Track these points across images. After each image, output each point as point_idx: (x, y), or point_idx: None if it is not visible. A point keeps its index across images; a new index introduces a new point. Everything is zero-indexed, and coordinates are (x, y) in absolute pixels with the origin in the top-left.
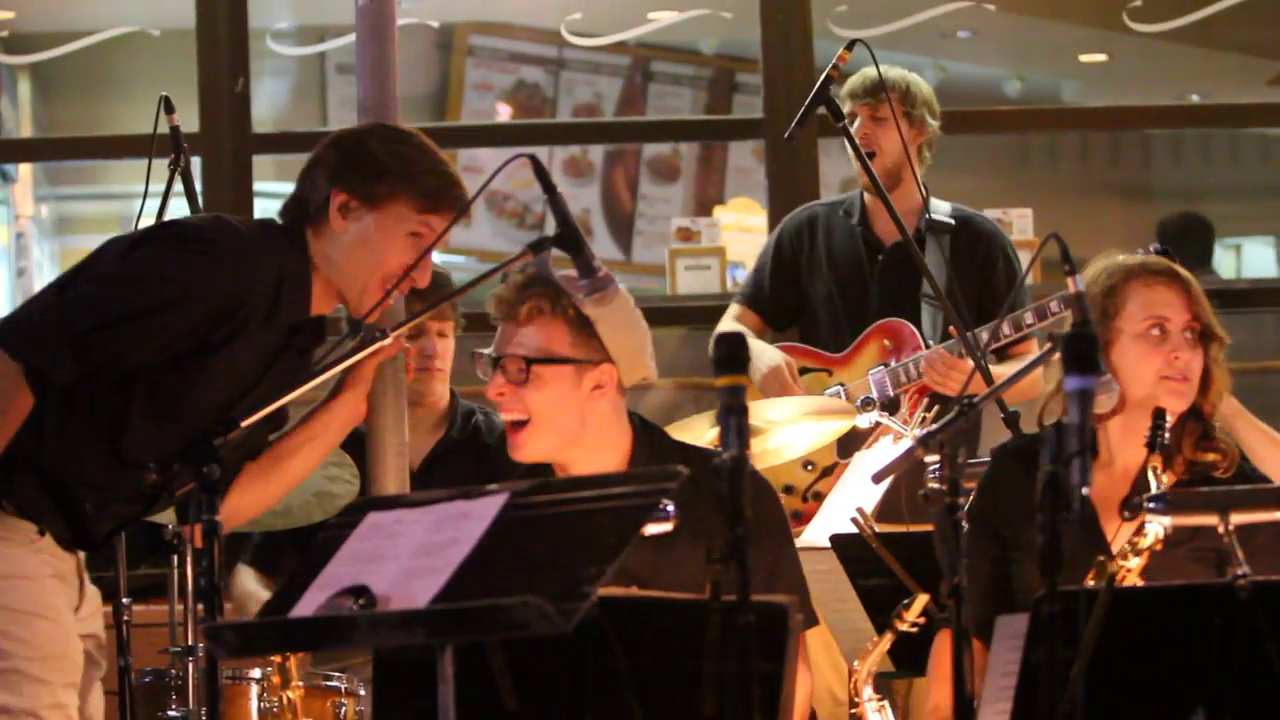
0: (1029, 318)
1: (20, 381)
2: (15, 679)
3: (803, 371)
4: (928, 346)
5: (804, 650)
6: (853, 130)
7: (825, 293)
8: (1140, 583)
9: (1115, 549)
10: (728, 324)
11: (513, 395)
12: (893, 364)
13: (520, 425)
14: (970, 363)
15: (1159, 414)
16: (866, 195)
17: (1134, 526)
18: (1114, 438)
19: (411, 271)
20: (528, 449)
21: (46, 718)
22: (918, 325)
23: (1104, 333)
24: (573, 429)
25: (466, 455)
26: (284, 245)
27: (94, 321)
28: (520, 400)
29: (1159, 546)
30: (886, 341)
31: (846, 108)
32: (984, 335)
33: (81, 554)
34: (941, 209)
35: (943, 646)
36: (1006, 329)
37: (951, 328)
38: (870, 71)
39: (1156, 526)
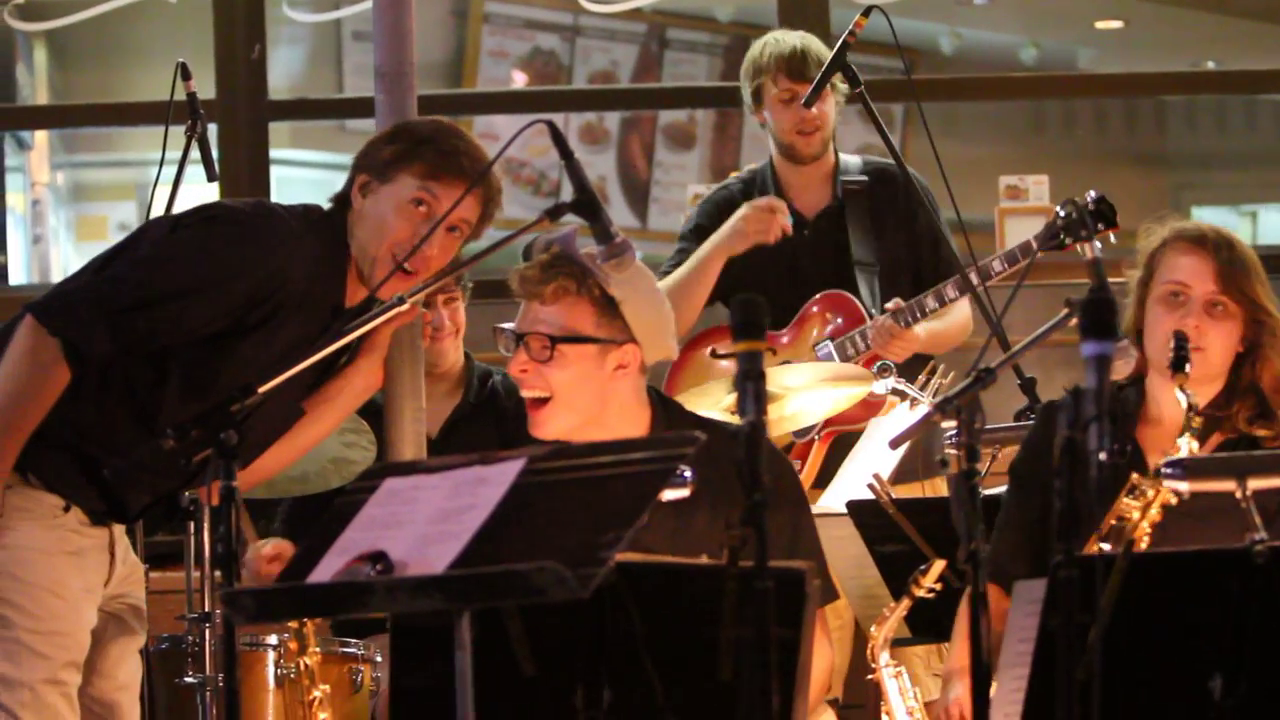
0: (950, 290)
1: (59, 357)
2: (15, 649)
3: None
4: (870, 315)
5: (824, 623)
6: (781, 108)
7: (754, 272)
8: (1174, 501)
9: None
10: None
11: (535, 372)
12: (839, 338)
13: (541, 402)
14: (915, 330)
15: (1179, 334)
16: (777, 164)
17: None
18: (1161, 394)
19: (421, 245)
20: (548, 426)
21: (42, 692)
22: (855, 293)
23: (1141, 292)
24: (593, 408)
25: (485, 419)
26: (323, 231)
27: (131, 300)
28: (542, 378)
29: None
30: (829, 314)
31: (778, 86)
32: (930, 302)
33: (117, 527)
34: (852, 166)
35: (968, 607)
36: (951, 292)
37: (893, 303)
38: (790, 41)
39: (1189, 443)
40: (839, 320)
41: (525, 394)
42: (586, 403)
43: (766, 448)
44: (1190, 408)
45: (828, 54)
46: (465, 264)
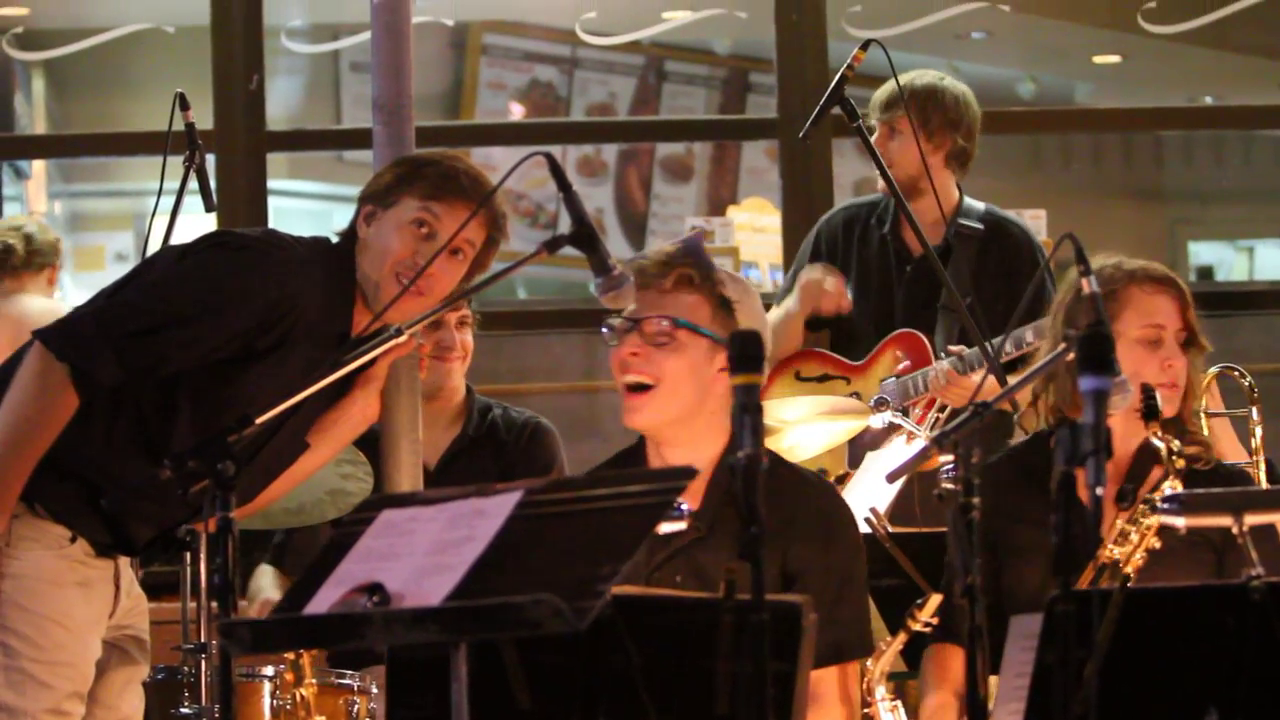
0: (1028, 335)
1: (67, 383)
2: (20, 679)
3: (822, 379)
4: (938, 358)
5: (849, 682)
6: (874, 140)
7: (855, 300)
8: (1142, 561)
9: (1110, 539)
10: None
11: (645, 358)
12: (903, 378)
13: (643, 389)
14: (973, 378)
15: (1146, 387)
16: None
17: (1126, 516)
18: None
19: (427, 267)
20: (645, 414)
21: None
22: (930, 334)
23: None
24: (692, 403)
25: (484, 452)
26: (330, 261)
27: (138, 326)
28: (652, 364)
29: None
30: (899, 353)
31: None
32: (1007, 345)
33: (122, 559)
34: (973, 213)
35: (936, 659)
36: (1009, 348)
37: (952, 346)
38: (895, 82)
39: (1173, 485)
40: (907, 360)
41: (628, 379)
42: (687, 396)
43: (832, 496)
44: (1170, 452)
45: (936, 96)
46: (464, 293)
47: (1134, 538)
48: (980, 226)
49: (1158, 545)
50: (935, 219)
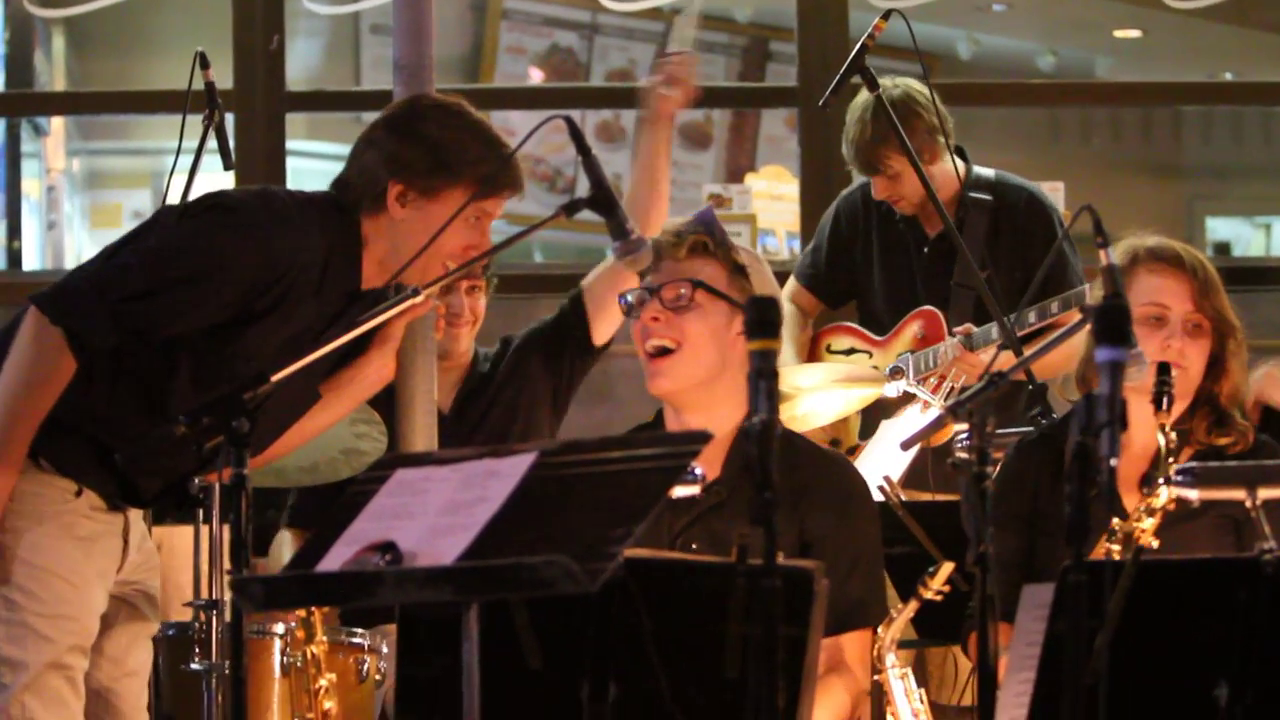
0: (1055, 306)
1: (63, 346)
2: (21, 632)
3: (849, 352)
4: (950, 335)
5: (856, 650)
6: (873, 193)
7: (876, 279)
8: (1155, 543)
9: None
10: (786, 302)
11: (667, 322)
12: (916, 353)
13: (666, 353)
14: (981, 355)
15: (1163, 367)
16: None
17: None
18: (1132, 416)
19: (479, 257)
20: (669, 377)
21: (46, 675)
22: (945, 310)
23: None
24: (715, 365)
25: (491, 381)
26: (332, 221)
27: (132, 290)
28: (674, 327)
29: (1172, 506)
30: (918, 329)
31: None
32: (1030, 316)
33: (133, 512)
34: (982, 181)
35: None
36: (1032, 318)
37: (964, 327)
38: (854, 135)
39: (1170, 490)
40: (923, 335)
41: (651, 344)
42: (710, 359)
43: (849, 469)
44: (1170, 449)
45: (886, 127)
46: (478, 257)
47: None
48: (989, 197)
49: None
50: (946, 198)
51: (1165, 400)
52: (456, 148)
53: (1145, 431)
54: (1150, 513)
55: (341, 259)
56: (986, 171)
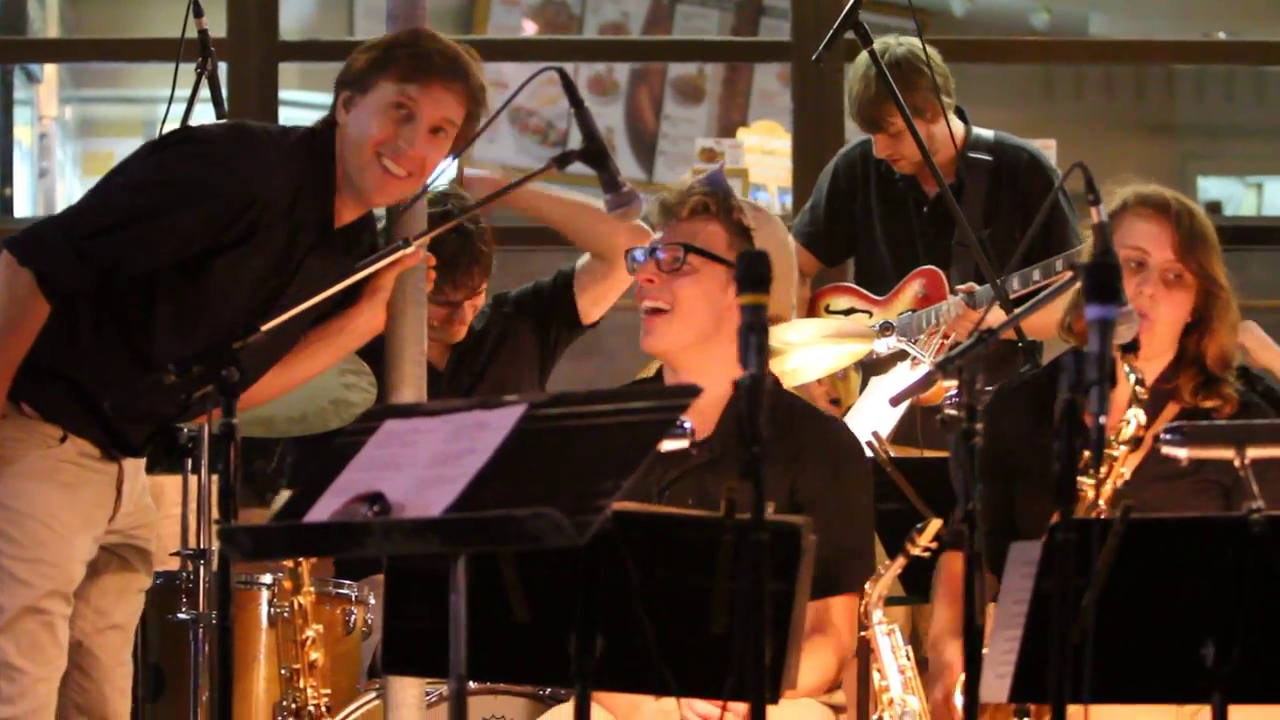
0: (1059, 264)
1: (34, 288)
2: None
3: (848, 312)
4: (952, 294)
5: (844, 614)
6: (874, 150)
7: (876, 238)
8: (1128, 475)
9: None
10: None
11: (661, 283)
12: (917, 311)
13: (659, 313)
14: (979, 312)
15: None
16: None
17: (1139, 457)
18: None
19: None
20: (659, 336)
21: (22, 619)
22: (946, 270)
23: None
24: (707, 328)
25: (486, 334)
26: (304, 150)
27: (98, 226)
28: (667, 289)
29: (1142, 434)
30: (919, 288)
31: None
32: (1014, 281)
33: (129, 464)
34: (982, 142)
35: (946, 568)
36: (1037, 275)
37: (967, 285)
38: (858, 90)
39: (1136, 414)
40: (924, 295)
41: (646, 304)
42: (701, 322)
43: (845, 431)
44: (1138, 382)
45: (890, 85)
46: (471, 209)
47: (1115, 446)
48: (989, 158)
49: (1126, 476)
50: (946, 158)
51: (1136, 345)
52: (386, 43)
53: (1124, 385)
54: (1121, 441)
55: (313, 187)
56: (986, 132)
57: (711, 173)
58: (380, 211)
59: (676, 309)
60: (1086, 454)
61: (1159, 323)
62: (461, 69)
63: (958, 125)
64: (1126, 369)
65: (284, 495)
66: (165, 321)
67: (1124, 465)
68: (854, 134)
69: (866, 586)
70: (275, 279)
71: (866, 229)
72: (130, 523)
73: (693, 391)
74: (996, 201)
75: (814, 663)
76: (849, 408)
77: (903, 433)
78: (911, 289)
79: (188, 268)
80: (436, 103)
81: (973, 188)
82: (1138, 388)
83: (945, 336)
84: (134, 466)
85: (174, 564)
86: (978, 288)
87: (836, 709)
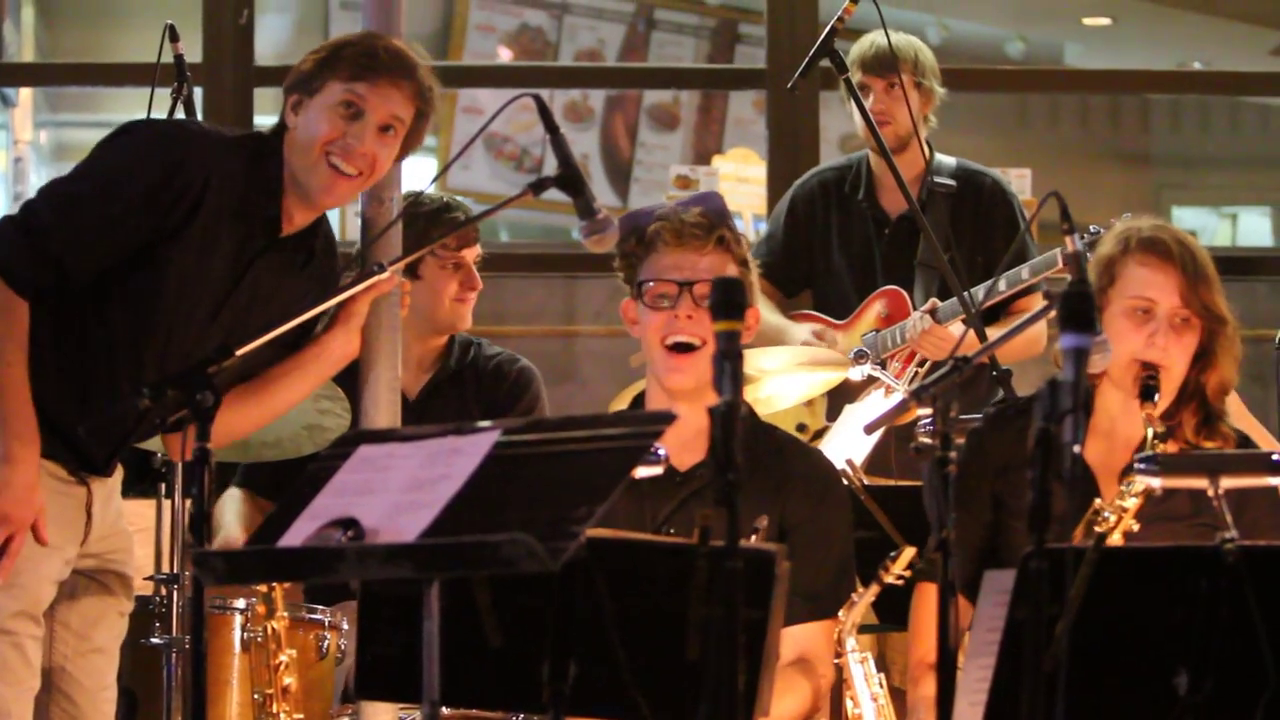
0: (1024, 273)
1: (5, 288)
2: None
3: None
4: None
5: (824, 641)
6: (867, 103)
7: (835, 265)
8: (1136, 527)
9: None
10: (769, 311)
11: (698, 320)
12: (881, 331)
13: (691, 349)
14: (950, 329)
15: (1148, 365)
16: (872, 161)
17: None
18: (1114, 409)
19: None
20: (692, 374)
21: None
22: (910, 290)
23: (1100, 298)
24: None
25: (464, 385)
26: (248, 149)
27: (47, 220)
28: (701, 324)
29: (1158, 493)
30: (881, 309)
31: (856, 78)
32: (979, 293)
33: (98, 485)
34: (945, 168)
35: (921, 599)
36: (1003, 285)
37: (930, 302)
38: (879, 40)
39: (1145, 478)
40: (887, 314)
41: (677, 339)
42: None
43: (828, 462)
44: (1156, 436)
45: (916, 52)
46: (444, 235)
47: (1111, 516)
48: (953, 183)
49: (1135, 528)
50: (913, 177)
51: (1153, 394)
52: (339, 42)
53: (1129, 423)
54: (1133, 494)
55: (258, 185)
56: (948, 159)
57: (711, 197)
58: (353, 235)
59: (707, 344)
60: (1099, 501)
61: (1173, 369)
62: (409, 66)
63: (925, 148)
64: (1147, 426)
65: (231, 491)
66: (123, 331)
67: (1133, 517)
68: (830, 158)
69: (841, 614)
70: (228, 283)
71: (825, 255)
72: (105, 547)
73: (667, 418)
74: (959, 227)
75: (793, 692)
76: (816, 433)
77: (876, 461)
78: (874, 309)
79: (139, 268)
80: (385, 100)
81: (935, 212)
82: (1157, 442)
83: (910, 355)
84: (105, 490)
85: (147, 588)
86: (940, 303)
87: None
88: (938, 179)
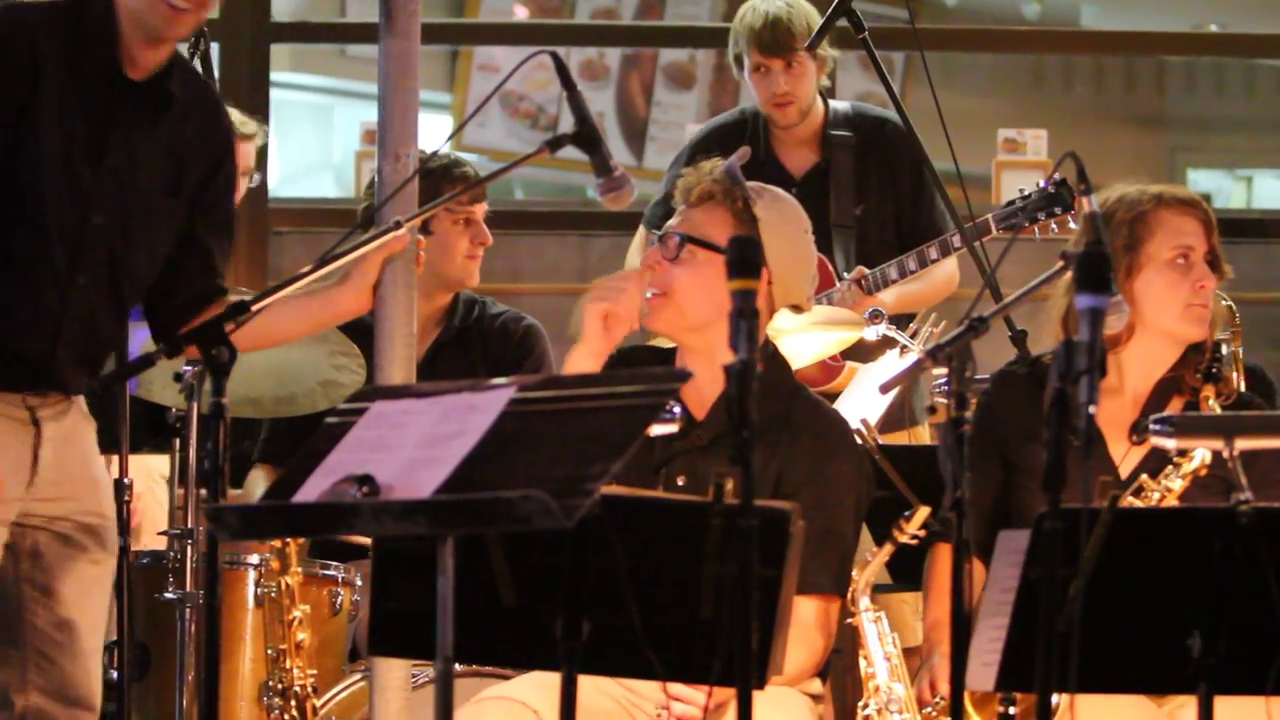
0: (933, 252)
1: None
2: None
3: None
4: (840, 278)
5: (812, 613)
6: (758, 78)
7: None
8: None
9: (1124, 472)
10: (634, 252)
11: (663, 270)
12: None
13: (654, 296)
14: (879, 297)
15: (1216, 346)
16: (768, 119)
17: (1142, 451)
18: (1126, 364)
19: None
20: (654, 319)
21: None
22: (829, 254)
23: (1129, 259)
24: (704, 315)
25: (470, 345)
26: (70, 7)
27: None
28: (665, 275)
29: (1204, 472)
30: None
31: (752, 58)
32: (892, 272)
33: (53, 430)
34: (841, 118)
35: (937, 561)
36: (913, 264)
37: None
38: (769, 11)
39: (1203, 452)
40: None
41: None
42: (696, 309)
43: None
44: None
45: (807, 20)
46: (457, 193)
47: (1156, 495)
48: (851, 134)
49: (1180, 490)
50: (811, 133)
51: (1216, 377)
52: None
53: (1137, 379)
54: (1181, 476)
55: (91, 31)
56: (843, 105)
57: (729, 162)
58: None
59: (670, 296)
60: (1144, 478)
61: (1209, 306)
62: None
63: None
64: (1212, 403)
65: (256, 472)
66: (20, 221)
67: (1177, 498)
68: (714, 119)
69: (854, 573)
70: (96, 142)
71: None
72: (60, 493)
73: (683, 376)
74: (865, 178)
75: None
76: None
77: (892, 417)
78: None
79: (15, 154)
80: None
81: (839, 165)
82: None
83: None
84: (59, 433)
85: (161, 543)
86: (868, 271)
87: (815, 698)
88: (835, 131)
